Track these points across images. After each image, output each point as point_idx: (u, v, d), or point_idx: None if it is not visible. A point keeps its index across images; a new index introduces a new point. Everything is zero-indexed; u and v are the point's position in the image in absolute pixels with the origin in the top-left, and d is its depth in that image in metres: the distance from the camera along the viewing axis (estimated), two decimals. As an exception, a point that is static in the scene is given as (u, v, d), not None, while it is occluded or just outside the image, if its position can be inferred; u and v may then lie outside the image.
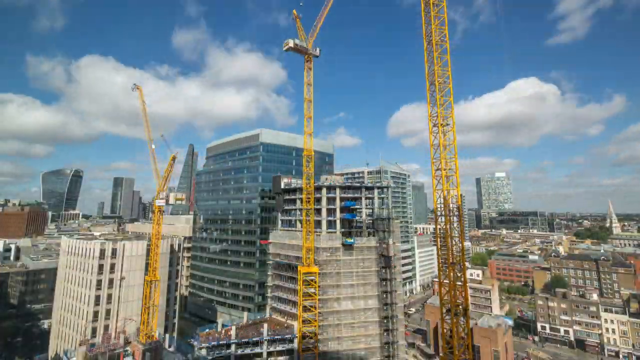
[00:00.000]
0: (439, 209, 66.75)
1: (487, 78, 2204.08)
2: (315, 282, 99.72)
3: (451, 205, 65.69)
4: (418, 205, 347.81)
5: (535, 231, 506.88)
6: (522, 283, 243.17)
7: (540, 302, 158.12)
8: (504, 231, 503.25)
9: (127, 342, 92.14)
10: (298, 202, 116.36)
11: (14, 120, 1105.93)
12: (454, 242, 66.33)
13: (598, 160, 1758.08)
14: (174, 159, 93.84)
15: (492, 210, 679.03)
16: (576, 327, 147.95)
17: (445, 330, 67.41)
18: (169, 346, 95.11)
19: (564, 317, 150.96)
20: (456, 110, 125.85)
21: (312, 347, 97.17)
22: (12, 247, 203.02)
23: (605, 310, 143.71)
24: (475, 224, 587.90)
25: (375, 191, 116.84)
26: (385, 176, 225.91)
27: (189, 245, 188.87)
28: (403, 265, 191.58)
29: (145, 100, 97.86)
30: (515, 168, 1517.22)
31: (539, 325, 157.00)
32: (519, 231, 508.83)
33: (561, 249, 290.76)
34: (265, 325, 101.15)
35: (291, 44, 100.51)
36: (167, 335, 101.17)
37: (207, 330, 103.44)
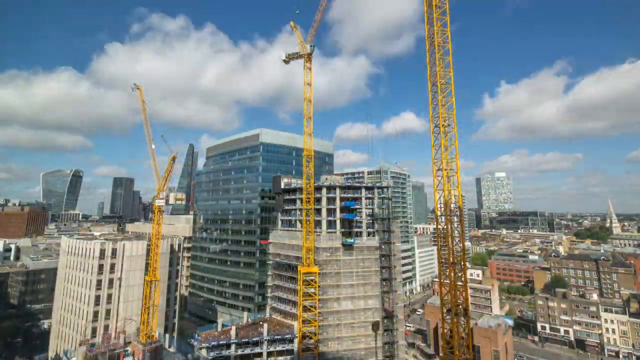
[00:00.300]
0: (439, 209, 66.76)
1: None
2: (315, 282, 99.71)
3: (452, 205, 65.70)
4: (418, 205, 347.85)
5: (535, 231, 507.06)
6: (522, 283, 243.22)
7: (540, 302, 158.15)
8: (504, 231, 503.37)
9: (127, 342, 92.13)
10: (298, 202, 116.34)
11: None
12: (454, 242, 66.33)
13: None
14: (174, 159, 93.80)
15: (492, 210, 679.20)
16: (576, 327, 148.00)
17: (445, 330, 67.41)
18: (169, 346, 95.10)
19: (564, 317, 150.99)
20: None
21: (312, 347, 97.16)
22: (12, 247, 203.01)
23: (605, 310, 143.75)
24: (475, 224, 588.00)
25: (375, 191, 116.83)
26: (385, 176, 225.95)
27: (189, 245, 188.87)
28: (403, 265, 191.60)
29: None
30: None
31: (539, 325, 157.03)
32: (519, 231, 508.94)
33: (561, 249, 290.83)
34: (265, 325, 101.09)
35: (284, 56, 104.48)
36: (167, 335, 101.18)
37: (207, 330, 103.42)
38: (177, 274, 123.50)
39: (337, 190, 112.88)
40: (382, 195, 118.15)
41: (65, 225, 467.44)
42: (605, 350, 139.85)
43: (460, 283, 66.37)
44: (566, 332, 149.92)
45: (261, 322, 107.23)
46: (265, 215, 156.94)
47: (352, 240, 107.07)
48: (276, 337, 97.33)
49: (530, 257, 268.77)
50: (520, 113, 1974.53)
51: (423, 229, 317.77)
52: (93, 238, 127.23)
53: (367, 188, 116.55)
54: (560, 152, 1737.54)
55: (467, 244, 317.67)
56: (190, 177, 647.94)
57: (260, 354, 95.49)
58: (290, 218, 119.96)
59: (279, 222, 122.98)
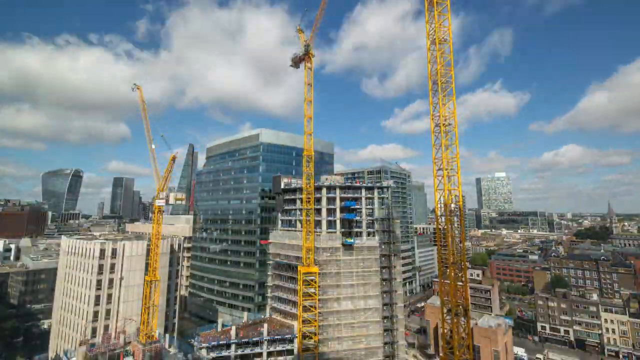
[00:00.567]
0: (439, 209, 66.72)
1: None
2: (315, 282, 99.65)
3: (452, 205, 65.66)
4: (418, 205, 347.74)
5: (535, 231, 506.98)
6: (522, 283, 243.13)
7: (540, 302, 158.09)
8: (504, 231, 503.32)
9: (127, 342, 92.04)
10: (298, 202, 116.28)
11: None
12: (454, 242, 66.30)
13: None
14: (174, 159, 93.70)
15: (492, 210, 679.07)
16: (576, 327, 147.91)
17: (445, 330, 67.38)
18: (169, 346, 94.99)
19: (564, 317, 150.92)
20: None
21: (312, 347, 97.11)
22: (12, 247, 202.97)
23: (605, 310, 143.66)
24: (475, 224, 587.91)
25: (376, 191, 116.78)
26: (385, 176, 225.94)
27: (189, 245, 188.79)
28: (403, 265, 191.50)
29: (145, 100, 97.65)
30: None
31: (539, 325, 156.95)
32: (519, 231, 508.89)
33: (561, 249, 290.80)
34: (265, 325, 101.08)
35: (290, 62, 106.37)
36: (167, 335, 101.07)
37: (207, 330, 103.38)
38: (177, 274, 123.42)
39: (337, 190, 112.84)
40: (382, 195, 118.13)
41: (65, 225, 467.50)
42: (605, 350, 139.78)
43: (460, 283, 66.34)
44: (566, 332, 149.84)
45: (261, 322, 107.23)
46: (265, 215, 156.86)
47: (352, 240, 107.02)
48: (276, 337, 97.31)
49: (530, 257, 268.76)
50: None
51: (423, 229, 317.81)
52: (93, 238, 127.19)
53: (367, 188, 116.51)
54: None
55: (467, 244, 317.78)
56: (190, 177, 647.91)
57: (260, 354, 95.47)
58: (290, 218, 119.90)
59: (279, 222, 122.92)
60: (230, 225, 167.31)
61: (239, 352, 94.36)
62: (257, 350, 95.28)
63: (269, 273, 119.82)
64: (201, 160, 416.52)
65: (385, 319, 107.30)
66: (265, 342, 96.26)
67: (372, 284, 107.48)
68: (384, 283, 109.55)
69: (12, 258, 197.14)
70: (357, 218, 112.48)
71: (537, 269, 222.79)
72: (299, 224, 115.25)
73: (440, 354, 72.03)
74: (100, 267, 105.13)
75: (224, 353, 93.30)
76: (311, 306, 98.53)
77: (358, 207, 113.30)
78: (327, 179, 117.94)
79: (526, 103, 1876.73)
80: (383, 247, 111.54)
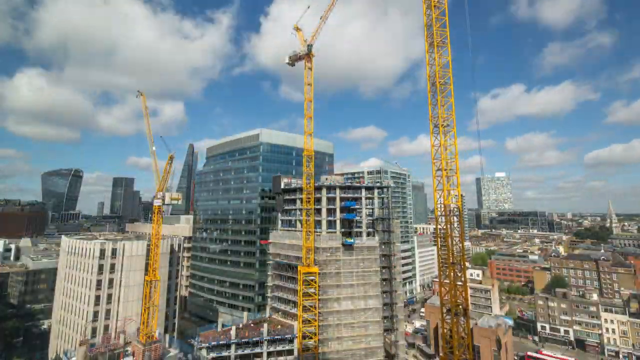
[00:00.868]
0: (439, 209, 66.82)
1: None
2: (315, 282, 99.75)
3: (452, 205, 65.77)
4: (418, 205, 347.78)
5: (535, 231, 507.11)
6: (522, 283, 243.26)
7: (540, 302, 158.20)
8: (504, 231, 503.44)
9: (127, 342, 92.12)
10: (298, 202, 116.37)
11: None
12: (454, 242, 66.39)
13: None
14: (171, 158, 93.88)
15: (492, 211, 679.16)
16: (576, 327, 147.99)
17: (445, 330, 67.48)
18: (169, 346, 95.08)
19: (564, 317, 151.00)
20: None
21: (312, 347, 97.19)
22: (12, 247, 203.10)
23: (605, 310, 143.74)
24: (475, 224, 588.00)
25: (375, 191, 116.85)
26: (385, 176, 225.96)
27: (189, 245, 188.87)
28: (403, 265, 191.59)
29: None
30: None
31: (539, 325, 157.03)
32: (519, 231, 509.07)
33: (561, 249, 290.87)
34: (265, 325, 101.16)
35: (287, 60, 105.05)
36: (167, 335, 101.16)
37: (207, 330, 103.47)
38: (177, 274, 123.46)
39: (337, 190, 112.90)
40: (382, 195, 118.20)
41: (65, 224, 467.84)
42: (605, 350, 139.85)
43: (460, 283, 66.44)
44: (566, 332, 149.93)
45: (261, 322, 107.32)
46: (265, 215, 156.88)
47: (352, 240, 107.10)
48: (276, 337, 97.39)
49: (530, 257, 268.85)
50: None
51: (423, 229, 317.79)
52: (93, 238, 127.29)
53: (367, 188, 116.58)
54: None
55: (467, 244, 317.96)
56: (190, 177, 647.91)
57: (260, 354, 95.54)
58: (290, 218, 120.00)
59: (279, 222, 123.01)
60: (230, 225, 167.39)
61: (239, 352, 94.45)
62: (257, 350, 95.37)
63: (269, 273, 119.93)
64: (201, 161, 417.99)
65: (385, 319, 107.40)
66: (265, 342, 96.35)
67: (372, 284, 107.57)
68: (384, 283, 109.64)
69: (12, 258, 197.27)
70: (357, 218, 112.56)
71: (537, 269, 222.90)
72: (299, 224, 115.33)
73: (440, 354, 72.12)
74: (100, 267, 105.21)
75: (224, 353, 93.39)
76: (311, 306, 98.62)
77: (358, 207, 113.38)
78: (327, 179, 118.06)
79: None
80: (383, 247, 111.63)
